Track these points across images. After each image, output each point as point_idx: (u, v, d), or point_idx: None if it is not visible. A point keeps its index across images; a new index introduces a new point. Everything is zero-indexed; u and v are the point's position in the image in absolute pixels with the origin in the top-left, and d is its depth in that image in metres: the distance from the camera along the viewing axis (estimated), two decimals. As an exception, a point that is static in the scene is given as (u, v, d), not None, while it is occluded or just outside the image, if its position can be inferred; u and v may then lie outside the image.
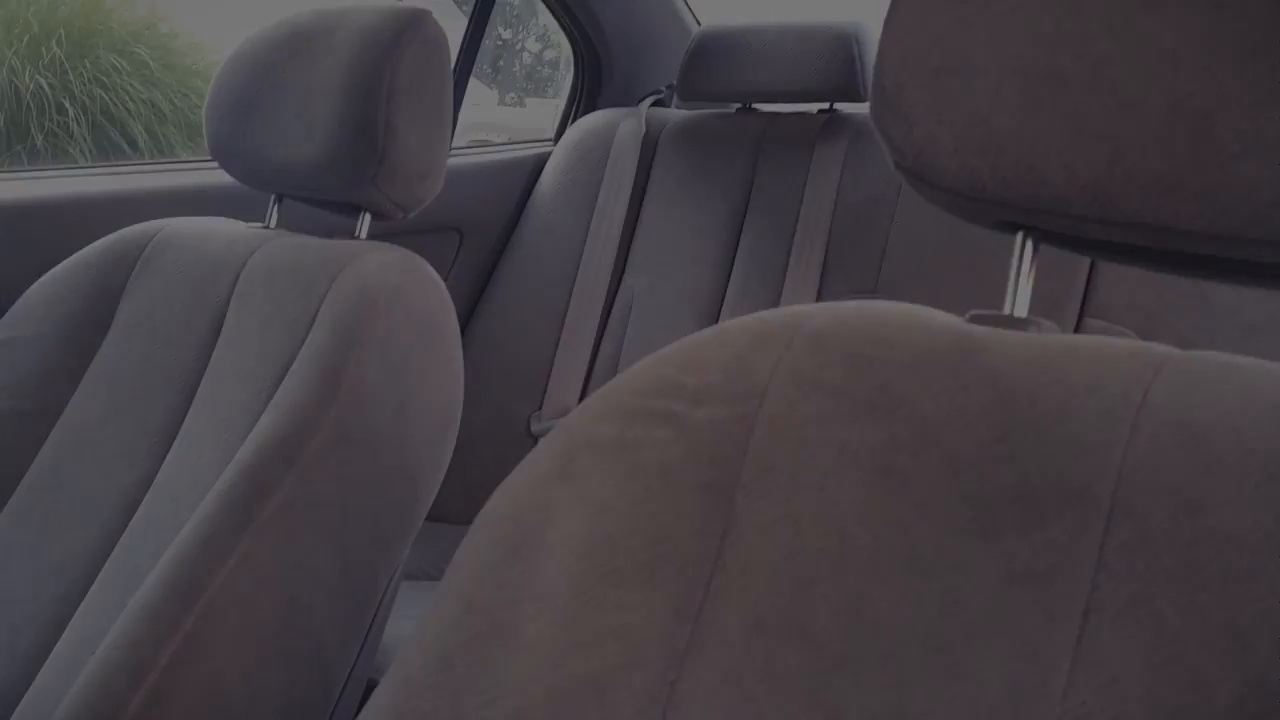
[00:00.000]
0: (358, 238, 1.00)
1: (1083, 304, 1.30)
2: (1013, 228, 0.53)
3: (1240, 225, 0.43)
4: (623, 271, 1.76)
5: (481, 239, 1.86)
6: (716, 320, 1.64)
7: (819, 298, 1.52)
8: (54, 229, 1.21)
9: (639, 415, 0.54)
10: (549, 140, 2.06)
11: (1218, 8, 0.43)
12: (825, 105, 1.70)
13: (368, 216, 1.00)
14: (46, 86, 4.55)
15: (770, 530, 0.49)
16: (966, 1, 0.50)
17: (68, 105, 4.58)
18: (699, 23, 2.09)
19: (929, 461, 0.47)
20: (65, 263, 1.05)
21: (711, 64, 1.72)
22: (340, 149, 0.92)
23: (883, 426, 0.49)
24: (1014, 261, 0.54)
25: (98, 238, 1.07)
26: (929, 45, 0.51)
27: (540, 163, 1.92)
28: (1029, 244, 0.53)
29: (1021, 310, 0.54)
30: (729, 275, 1.66)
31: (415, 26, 0.94)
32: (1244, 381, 0.44)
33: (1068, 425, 0.45)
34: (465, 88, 1.92)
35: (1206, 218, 0.43)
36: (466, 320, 1.83)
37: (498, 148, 2.03)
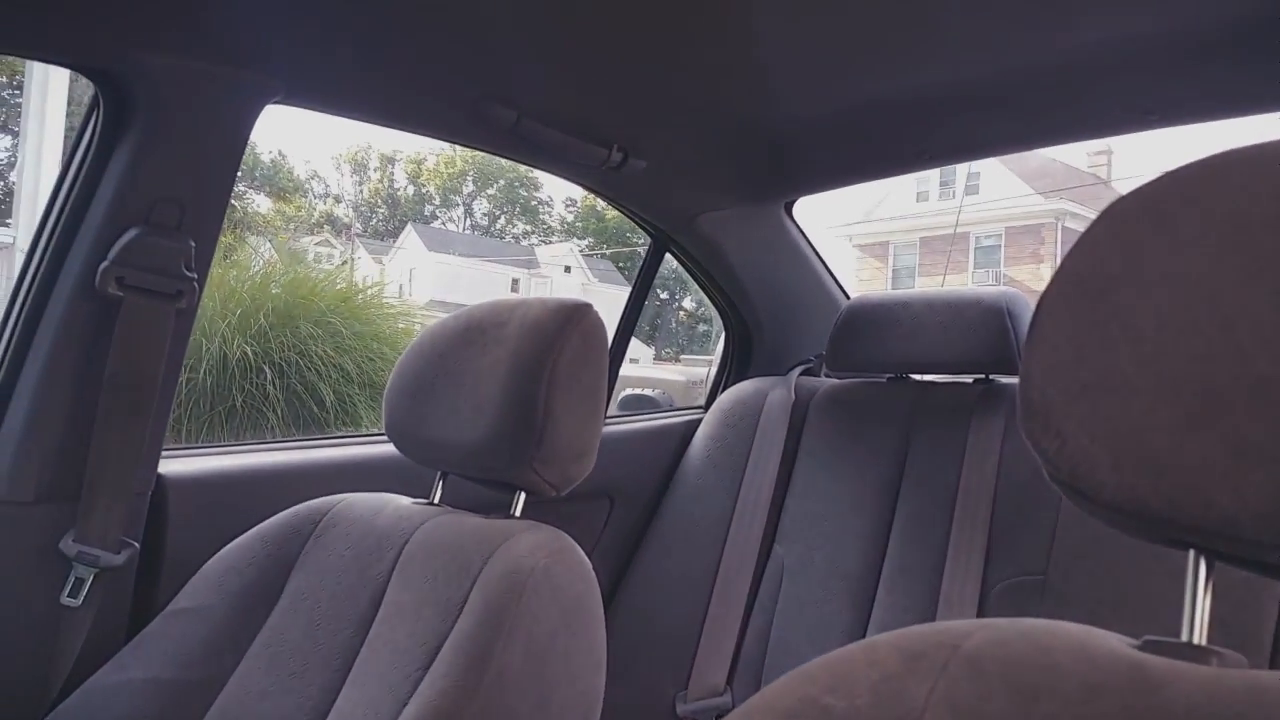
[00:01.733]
0: (513, 515, 1.04)
1: (1275, 635, 1.16)
2: (1183, 545, 0.50)
3: None
4: (772, 541, 1.73)
5: (632, 506, 1.89)
6: (872, 603, 1.57)
7: (983, 583, 1.44)
8: (242, 499, 1.31)
9: None
10: (699, 408, 2.12)
11: None
12: (981, 375, 1.69)
13: (523, 495, 1.05)
14: (250, 354, 5.10)
15: None
16: (1111, 318, 0.50)
17: (267, 370, 5.10)
18: (847, 295, 2.16)
19: None
20: (245, 535, 1.13)
21: (861, 335, 1.75)
22: (502, 431, 0.98)
23: None
24: (1189, 581, 0.51)
25: (281, 508, 1.16)
26: (1075, 361, 0.51)
27: (691, 429, 1.97)
28: (1203, 563, 0.50)
29: (1200, 636, 0.50)
30: (884, 551, 1.60)
31: (577, 319, 1.02)
32: None
33: None
34: (626, 347, 2.03)
35: None
36: (614, 588, 1.83)
37: (650, 415, 2.10)
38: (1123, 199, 0.53)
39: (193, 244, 1.18)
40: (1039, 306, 0.54)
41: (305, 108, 1.28)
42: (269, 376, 5.00)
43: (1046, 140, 1.59)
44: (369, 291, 6.27)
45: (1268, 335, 0.45)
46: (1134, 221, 0.51)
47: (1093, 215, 0.56)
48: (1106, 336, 0.50)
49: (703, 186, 1.85)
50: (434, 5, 1.15)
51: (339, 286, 5.99)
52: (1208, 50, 1.21)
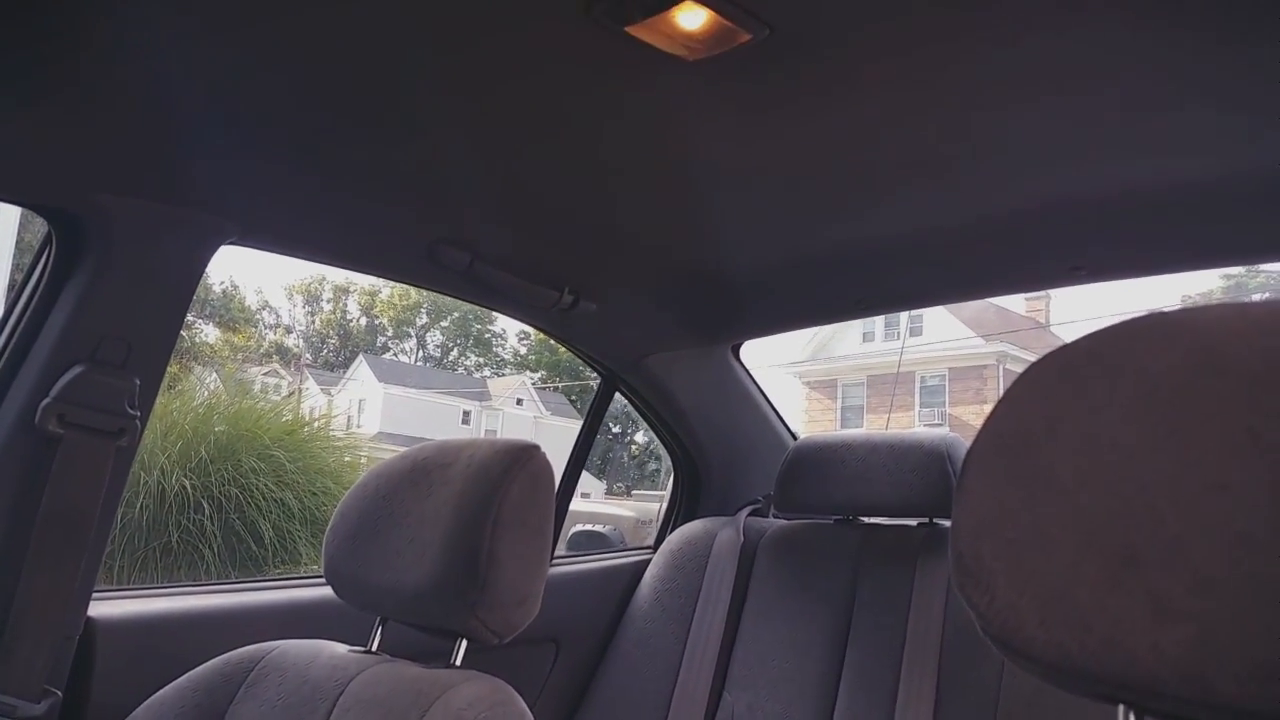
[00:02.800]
0: (454, 664, 1.02)
1: None
2: (1112, 700, 0.51)
3: None
4: (722, 687, 1.70)
5: (578, 650, 1.85)
6: None
7: (934, 727, 1.42)
8: (173, 645, 1.26)
9: None
10: (648, 548, 2.11)
11: None
12: (924, 518, 1.70)
13: (464, 643, 1.02)
14: (189, 488, 4.98)
15: None
16: (1035, 476, 0.53)
17: (205, 504, 4.97)
18: (794, 436, 2.20)
19: None
20: (174, 684, 1.09)
21: (808, 477, 1.77)
22: (445, 576, 0.97)
23: None
24: None
25: (215, 654, 1.11)
26: (1001, 517, 0.53)
27: (639, 570, 1.95)
28: (1132, 718, 0.51)
29: None
30: (834, 700, 1.58)
31: (524, 461, 1.02)
32: None
33: None
34: (576, 484, 2.02)
35: None
36: (560, 738, 1.77)
37: (598, 555, 2.08)
38: (1042, 360, 0.57)
39: (137, 381, 1.17)
40: (966, 462, 0.56)
41: (260, 249, 1.31)
42: (207, 512, 4.86)
43: (979, 293, 1.67)
44: (315, 424, 6.19)
45: (1178, 497, 0.48)
46: (1054, 383, 0.54)
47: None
48: (1030, 494, 0.52)
49: (652, 328, 1.89)
50: (389, 152, 1.20)
51: (285, 419, 5.91)
52: (1136, 212, 1.30)
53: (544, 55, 1.02)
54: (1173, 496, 0.48)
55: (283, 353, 28.78)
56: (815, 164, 1.23)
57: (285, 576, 2.11)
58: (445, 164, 1.23)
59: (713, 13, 0.91)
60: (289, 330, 31.51)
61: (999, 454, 0.54)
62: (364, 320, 31.97)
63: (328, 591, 1.21)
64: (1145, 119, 1.10)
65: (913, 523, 1.73)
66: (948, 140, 1.15)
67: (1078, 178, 1.24)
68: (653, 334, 1.91)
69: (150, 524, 4.82)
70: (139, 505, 4.75)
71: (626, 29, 0.95)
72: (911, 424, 17.91)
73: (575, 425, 2.16)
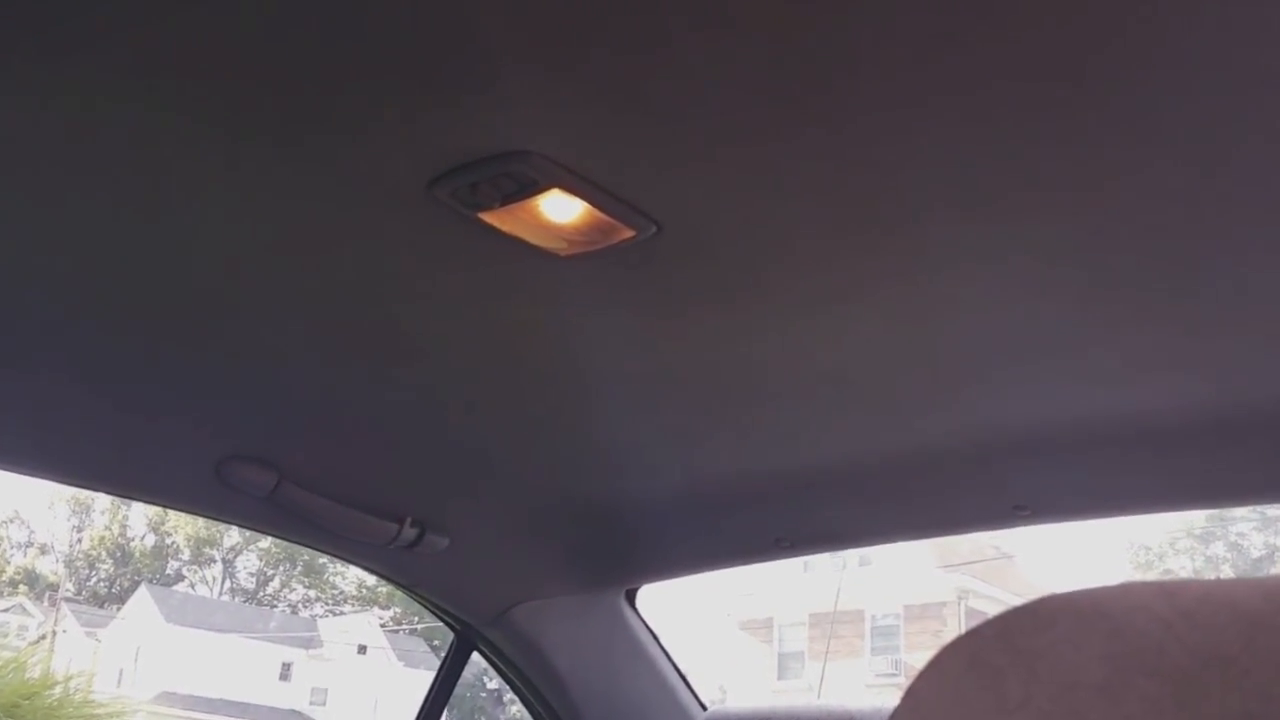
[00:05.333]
0: None
1: None
2: None
3: None
4: None
5: None
6: None
7: None
8: None
9: None
10: None
11: None
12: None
13: None
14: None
15: None
16: None
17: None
18: (704, 705, 2.16)
19: None
20: None
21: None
22: None
23: None
24: None
25: None
26: None
27: None
28: None
29: None
30: None
31: None
32: None
33: None
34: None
35: None
36: None
37: None
38: (949, 648, 0.59)
39: None
40: None
41: (12, 471, 1.28)
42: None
43: (909, 534, 1.73)
44: (70, 682, 5.83)
45: None
46: (962, 675, 0.57)
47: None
48: None
49: (521, 570, 1.87)
50: (169, 351, 1.19)
51: (28, 676, 5.55)
52: (1086, 445, 1.37)
53: (379, 239, 1.05)
54: None
55: (34, 581, 27.25)
56: (720, 376, 1.27)
57: None
58: (242, 362, 1.23)
59: (588, 205, 0.96)
60: (44, 550, 29.99)
61: None
62: (150, 538, 30.67)
63: None
64: (1096, 341, 1.17)
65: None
66: (868, 357, 1.21)
67: (1019, 404, 1.31)
68: (522, 577, 1.88)
69: None
70: None
71: (479, 215, 0.99)
72: (861, 675, 17.81)
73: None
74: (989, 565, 17.54)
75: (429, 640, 24.02)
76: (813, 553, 1.88)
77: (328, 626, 25.83)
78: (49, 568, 29.12)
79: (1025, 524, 1.59)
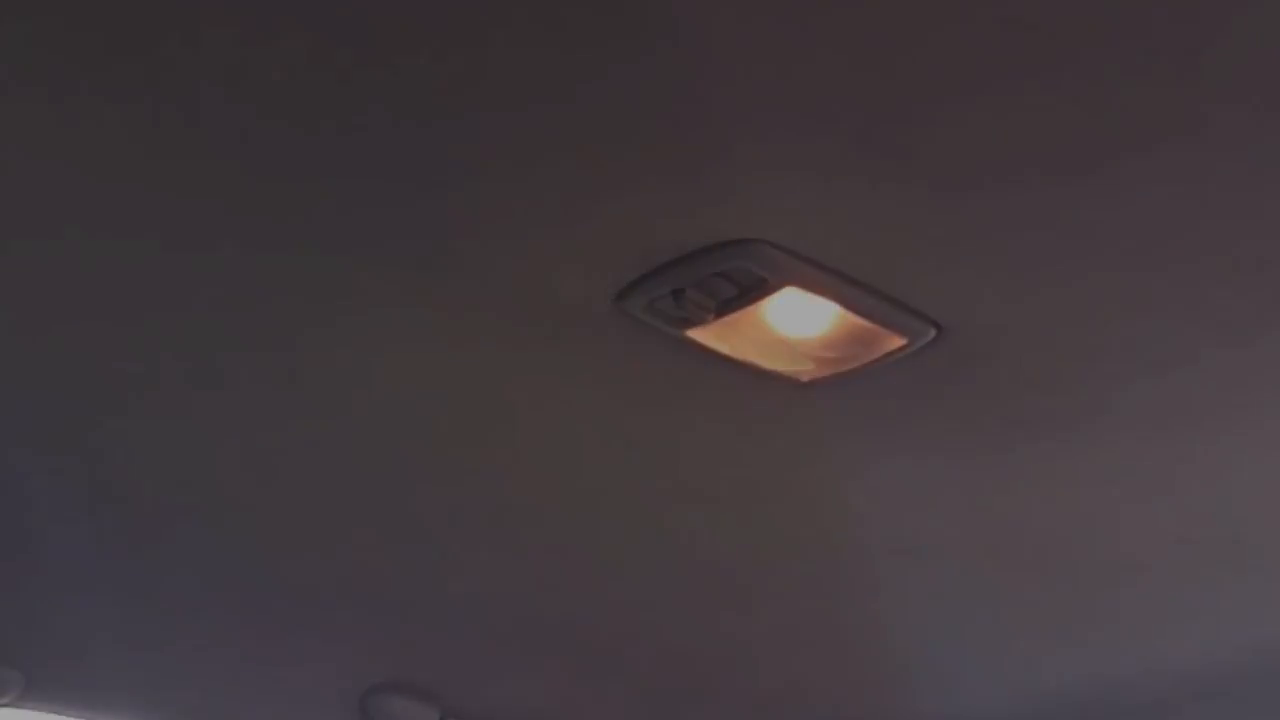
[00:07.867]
0: None
1: None
2: None
3: None
4: None
5: None
6: None
7: None
8: None
9: None
10: None
11: None
12: None
13: None
14: None
15: None
16: None
17: None
18: None
19: None
20: None
21: None
22: None
23: None
24: None
25: None
26: None
27: None
28: None
29: None
30: None
31: None
32: None
33: None
34: None
35: None
36: None
37: None
38: None
39: None
40: None
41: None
42: None
43: None
44: None
45: None
46: None
47: None
48: None
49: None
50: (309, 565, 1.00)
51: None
52: None
53: (555, 375, 0.80)
54: None
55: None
56: (1053, 542, 0.94)
57: None
58: (396, 568, 0.95)
59: (840, 308, 0.70)
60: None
61: None
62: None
63: None
64: None
65: None
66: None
67: None
68: None
69: None
70: None
71: (686, 331, 0.73)
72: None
73: None
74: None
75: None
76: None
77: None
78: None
79: None
